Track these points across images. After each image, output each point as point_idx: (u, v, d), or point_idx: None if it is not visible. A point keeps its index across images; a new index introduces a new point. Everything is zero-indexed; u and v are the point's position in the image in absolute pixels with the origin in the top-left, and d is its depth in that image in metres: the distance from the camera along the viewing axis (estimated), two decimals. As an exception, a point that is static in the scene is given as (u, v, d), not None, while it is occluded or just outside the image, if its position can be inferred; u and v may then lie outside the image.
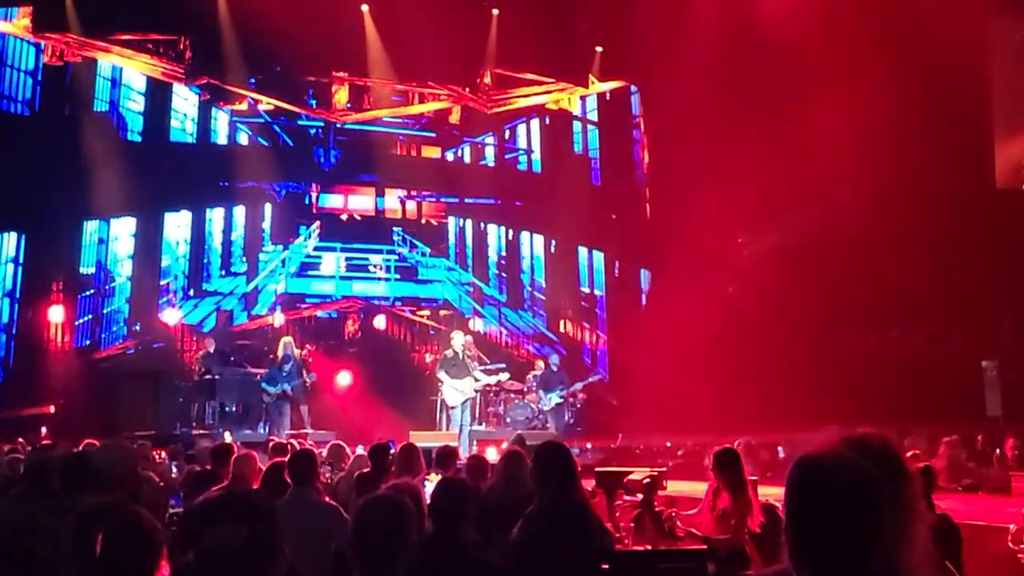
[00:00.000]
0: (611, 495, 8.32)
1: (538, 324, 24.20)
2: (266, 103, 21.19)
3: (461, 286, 24.04)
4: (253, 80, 20.90)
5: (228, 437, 13.09)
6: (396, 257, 23.55)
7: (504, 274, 24.68)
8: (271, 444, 10.48)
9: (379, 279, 23.29)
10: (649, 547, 7.28)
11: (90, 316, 20.83)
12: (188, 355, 20.52)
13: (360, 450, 11.62)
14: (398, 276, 23.53)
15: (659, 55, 19.82)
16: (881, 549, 1.97)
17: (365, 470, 8.31)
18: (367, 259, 23.37)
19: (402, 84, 21.73)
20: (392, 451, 8.26)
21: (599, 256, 24.52)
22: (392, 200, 23.97)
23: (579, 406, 18.59)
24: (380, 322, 22.48)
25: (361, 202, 23.83)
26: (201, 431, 16.47)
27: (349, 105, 21.60)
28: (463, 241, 24.65)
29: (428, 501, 4.65)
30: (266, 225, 23.27)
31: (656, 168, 23.37)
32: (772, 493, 9.27)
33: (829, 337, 18.58)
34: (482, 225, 24.77)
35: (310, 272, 23.11)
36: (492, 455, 10.76)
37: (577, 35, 21.98)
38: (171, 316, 21.08)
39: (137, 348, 20.86)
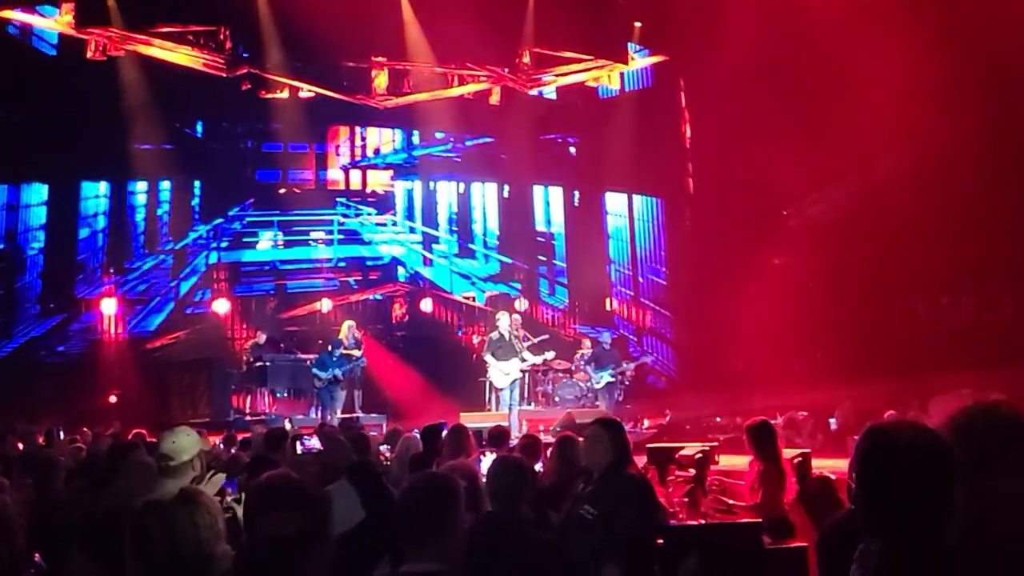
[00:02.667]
0: (663, 471, 8.35)
1: (495, 264, 24.17)
2: (306, 90, 21.23)
3: (410, 243, 23.95)
4: (292, 68, 20.91)
5: (288, 424, 13.20)
6: (339, 220, 23.31)
7: (456, 228, 24.49)
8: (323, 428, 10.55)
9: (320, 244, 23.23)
10: (703, 521, 7.31)
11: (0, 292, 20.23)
12: (238, 343, 20.76)
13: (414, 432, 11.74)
14: (342, 237, 23.34)
15: (699, 27, 19.61)
16: (954, 522, 1.94)
17: (417, 452, 8.38)
18: (307, 233, 23.04)
19: (441, 67, 21.66)
20: (444, 433, 8.31)
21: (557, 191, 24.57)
22: (335, 172, 23.73)
23: (627, 383, 18.59)
24: (427, 305, 22.56)
25: (300, 175, 23.35)
26: (254, 418, 16.69)
27: (389, 90, 21.56)
28: (412, 205, 24.38)
29: (484, 479, 4.67)
30: (195, 202, 22.47)
31: (697, 141, 23.18)
32: (825, 465, 9.25)
33: (877, 306, 18.40)
34: (431, 185, 24.49)
35: (245, 239, 22.65)
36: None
37: (615, 10, 21.79)
38: (222, 306, 21.32)
39: (187, 337, 21.14)
